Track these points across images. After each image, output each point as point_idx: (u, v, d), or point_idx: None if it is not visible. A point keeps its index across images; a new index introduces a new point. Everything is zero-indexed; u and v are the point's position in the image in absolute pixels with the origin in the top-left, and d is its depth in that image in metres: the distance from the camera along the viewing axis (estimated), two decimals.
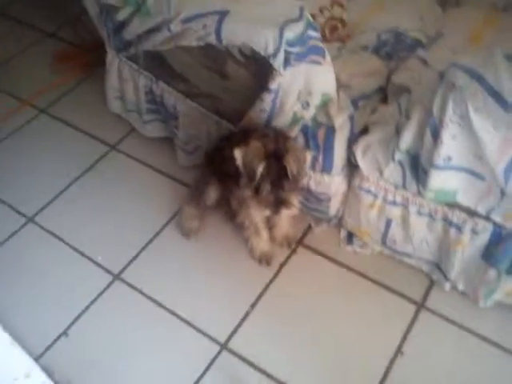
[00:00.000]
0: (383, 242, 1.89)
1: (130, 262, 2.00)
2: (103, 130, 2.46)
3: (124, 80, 2.24)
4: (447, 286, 1.83)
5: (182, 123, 2.12)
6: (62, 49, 2.85)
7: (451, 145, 1.49)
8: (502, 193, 1.52)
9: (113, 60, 2.23)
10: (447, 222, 1.72)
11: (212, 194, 1.94)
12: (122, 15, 1.95)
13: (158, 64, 2.04)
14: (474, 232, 1.68)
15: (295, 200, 1.66)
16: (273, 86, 1.66)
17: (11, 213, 2.17)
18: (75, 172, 2.30)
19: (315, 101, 1.71)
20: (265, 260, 1.94)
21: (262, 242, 1.92)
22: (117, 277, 1.95)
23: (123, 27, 1.99)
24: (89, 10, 2.13)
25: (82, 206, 2.19)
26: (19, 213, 2.17)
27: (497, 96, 1.36)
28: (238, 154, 1.59)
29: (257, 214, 1.80)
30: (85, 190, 2.24)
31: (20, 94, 2.66)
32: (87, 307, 1.88)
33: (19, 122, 2.53)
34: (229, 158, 1.62)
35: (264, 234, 1.91)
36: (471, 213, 1.66)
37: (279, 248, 1.98)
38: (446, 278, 1.81)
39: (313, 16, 1.78)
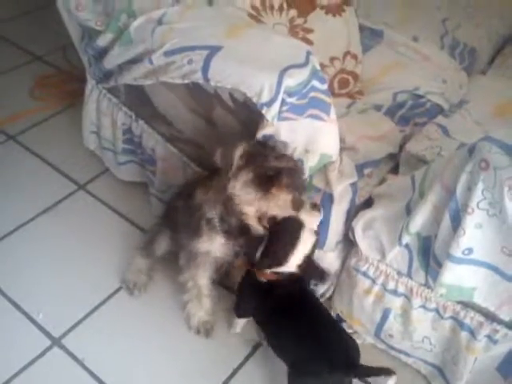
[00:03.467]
0: (377, 334, 1.66)
1: (75, 325, 1.74)
2: (74, 167, 2.26)
3: (102, 114, 2.05)
4: None
5: (160, 169, 1.92)
6: (45, 74, 2.71)
7: (474, 235, 1.26)
8: None
9: (92, 91, 2.04)
10: (458, 323, 1.50)
11: (163, 244, 1.77)
12: (102, 41, 1.76)
13: (140, 101, 1.84)
14: (491, 340, 1.45)
15: None
16: (260, 135, 1.43)
17: None
18: (31, 211, 2.07)
19: (311, 161, 1.51)
20: (203, 330, 1.71)
21: (201, 311, 1.71)
22: (56, 341, 1.69)
23: (104, 55, 1.79)
24: (71, 32, 1.95)
25: (29, 251, 1.95)
26: None
27: None
28: (218, 153, 1.41)
29: (204, 276, 1.62)
30: (37, 233, 2.01)
31: None
32: (16, 374, 1.62)
33: None
34: (185, 207, 1.53)
35: (207, 302, 1.70)
36: (490, 316, 1.43)
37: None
38: None
39: (321, 66, 1.59)
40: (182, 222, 1.59)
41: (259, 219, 1.40)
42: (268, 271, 1.46)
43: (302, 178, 1.45)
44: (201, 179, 1.61)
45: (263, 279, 1.48)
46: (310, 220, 1.42)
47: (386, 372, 1.37)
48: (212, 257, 1.57)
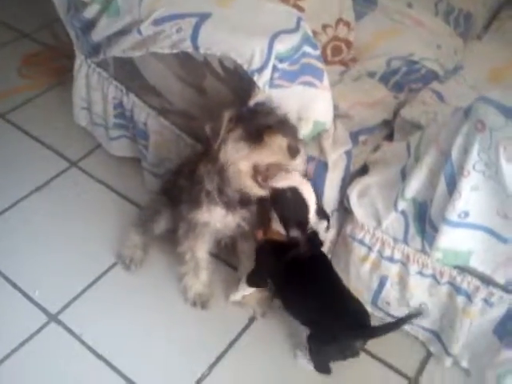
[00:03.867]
0: (374, 302, 1.65)
1: (72, 300, 1.72)
2: (66, 144, 2.22)
3: (92, 89, 2.01)
4: (448, 361, 1.60)
5: (153, 143, 1.88)
6: (32, 52, 2.65)
7: (470, 198, 1.26)
8: None
9: (81, 66, 2.00)
10: (454, 288, 1.49)
11: (162, 223, 1.75)
12: (89, 13, 1.71)
13: (129, 74, 1.80)
14: (488, 303, 1.45)
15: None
16: (252, 102, 1.40)
17: None
18: (24, 189, 2.04)
19: (305, 129, 1.48)
20: (199, 302, 1.70)
21: (198, 283, 1.69)
22: (53, 317, 1.68)
23: (91, 27, 1.75)
24: (56, 5, 1.90)
25: (24, 229, 1.92)
26: None
27: None
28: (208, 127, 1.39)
29: (202, 248, 1.61)
30: (31, 211, 1.98)
31: None
32: (12, 351, 1.60)
33: None
34: (184, 186, 1.51)
35: (204, 274, 1.69)
36: (486, 280, 1.43)
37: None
38: (447, 352, 1.58)
39: (314, 33, 1.56)
40: (184, 199, 1.57)
41: (255, 176, 1.36)
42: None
43: (293, 128, 1.40)
44: (200, 154, 1.58)
45: (283, 238, 1.44)
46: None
47: (395, 326, 1.43)
48: (212, 228, 1.56)
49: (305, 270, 1.47)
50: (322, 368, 1.54)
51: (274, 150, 1.32)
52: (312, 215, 1.40)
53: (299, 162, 1.36)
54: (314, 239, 1.45)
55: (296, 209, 1.38)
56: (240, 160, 1.35)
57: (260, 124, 1.33)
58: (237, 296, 1.68)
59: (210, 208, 1.50)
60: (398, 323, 1.47)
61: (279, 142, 1.32)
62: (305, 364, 1.57)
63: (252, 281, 1.60)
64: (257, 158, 1.34)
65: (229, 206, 1.49)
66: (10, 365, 1.57)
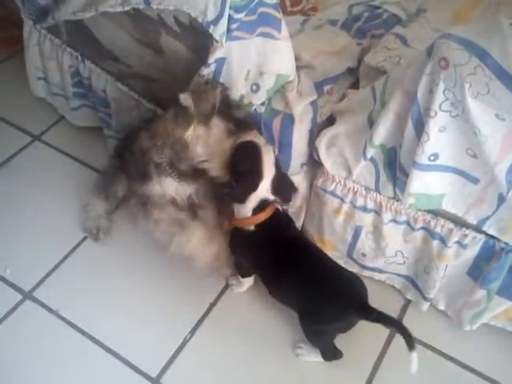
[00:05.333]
0: (349, 254, 1.65)
1: (45, 277, 1.69)
2: (26, 118, 2.14)
3: (46, 58, 1.92)
4: (425, 305, 1.63)
5: (114, 110, 1.83)
6: None
7: (439, 139, 1.23)
8: (501, 199, 1.28)
9: (31, 33, 1.90)
10: (429, 233, 1.49)
11: (121, 186, 1.71)
12: None
13: (83, 39, 1.74)
14: (462, 245, 1.46)
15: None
16: (211, 59, 1.34)
17: None
18: None
19: (268, 83, 1.45)
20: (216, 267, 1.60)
21: (195, 237, 1.52)
22: (28, 295, 1.65)
23: None
24: None
25: None
26: None
27: (505, 76, 1.09)
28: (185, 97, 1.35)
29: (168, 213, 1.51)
30: None
31: None
32: None
33: None
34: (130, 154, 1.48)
35: (195, 227, 1.52)
36: (459, 222, 1.43)
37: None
38: (424, 297, 1.60)
39: None
40: (130, 170, 1.54)
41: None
42: (249, 213, 1.41)
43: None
44: (142, 124, 1.55)
45: (250, 227, 1.43)
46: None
47: (397, 325, 1.37)
48: (168, 200, 1.51)
49: (289, 255, 1.44)
50: (331, 354, 1.48)
51: None
52: (267, 177, 1.38)
53: None
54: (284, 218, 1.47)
55: (249, 162, 1.36)
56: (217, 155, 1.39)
57: (237, 118, 1.38)
58: (244, 287, 1.63)
59: (161, 179, 1.47)
60: (398, 325, 1.38)
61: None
62: (311, 358, 1.51)
63: (240, 272, 1.59)
64: None
65: (180, 177, 1.46)
66: None
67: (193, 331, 1.57)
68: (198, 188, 1.49)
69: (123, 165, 1.63)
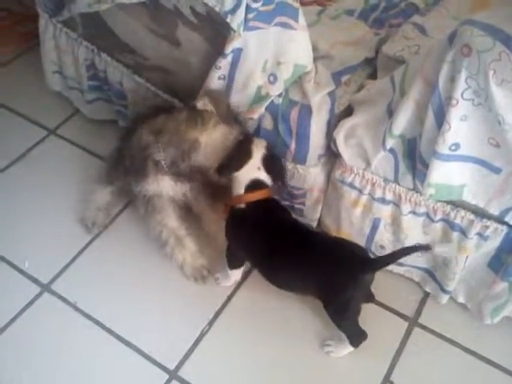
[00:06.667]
0: (368, 247, 1.63)
1: (63, 269, 1.69)
2: (41, 112, 2.14)
3: (62, 51, 1.93)
4: (444, 298, 1.61)
5: (132, 101, 1.82)
6: None
7: (460, 128, 1.21)
8: None
9: (46, 27, 1.91)
10: (449, 224, 1.47)
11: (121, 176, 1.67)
12: None
13: (99, 32, 1.73)
14: (483, 237, 1.43)
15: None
16: (228, 50, 1.33)
17: None
18: (2, 162, 1.97)
19: (285, 74, 1.44)
20: (200, 277, 1.64)
21: (188, 255, 1.63)
22: (46, 287, 1.65)
23: None
24: None
25: (5, 202, 1.87)
26: None
27: None
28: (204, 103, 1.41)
29: (170, 219, 1.57)
30: (11, 184, 1.92)
31: None
32: (7, 325, 1.58)
33: None
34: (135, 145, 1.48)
35: (189, 242, 1.63)
36: (479, 213, 1.40)
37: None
38: (443, 289, 1.58)
39: None
40: (128, 167, 1.54)
41: None
42: (241, 190, 1.44)
43: None
44: (141, 119, 1.54)
45: (242, 205, 1.45)
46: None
47: (404, 250, 1.40)
48: (167, 199, 1.54)
49: (283, 237, 1.45)
50: (358, 336, 1.47)
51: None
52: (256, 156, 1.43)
53: None
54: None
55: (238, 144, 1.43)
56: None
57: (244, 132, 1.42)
58: (231, 281, 1.63)
59: (158, 177, 1.48)
60: (404, 251, 1.40)
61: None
62: (341, 352, 1.50)
63: (230, 262, 1.58)
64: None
65: (178, 176, 1.48)
66: (6, 338, 1.55)
67: (211, 323, 1.57)
68: (192, 185, 1.54)
69: (120, 156, 1.63)
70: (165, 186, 1.51)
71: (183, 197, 1.57)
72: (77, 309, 1.60)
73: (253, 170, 1.44)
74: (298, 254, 1.42)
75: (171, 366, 1.49)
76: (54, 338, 1.55)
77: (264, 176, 1.45)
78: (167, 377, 1.48)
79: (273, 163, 1.47)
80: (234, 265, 1.58)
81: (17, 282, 1.66)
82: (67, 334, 1.56)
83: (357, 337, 1.47)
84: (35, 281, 1.66)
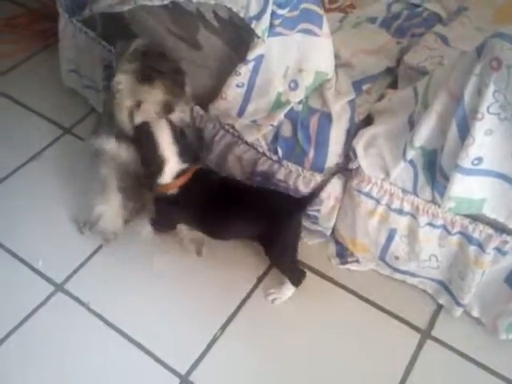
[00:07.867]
0: (382, 257, 1.62)
1: (77, 269, 1.69)
2: (57, 111, 2.14)
3: (80, 51, 1.93)
4: (458, 311, 1.59)
5: None
6: (13, 15, 2.51)
7: (484, 143, 1.20)
8: None
9: (66, 26, 1.91)
10: (466, 238, 1.45)
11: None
12: None
13: (118, 32, 1.71)
14: (501, 252, 1.41)
15: None
16: (251, 56, 1.32)
17: None
18: (18, 159, 1.97)
19: (306, 81, 1.44)
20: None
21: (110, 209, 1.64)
22: (60, 287, 1.65)
23: None
24: None
25: (20, 200, 1.87)
26: None
27: None
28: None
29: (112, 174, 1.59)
30: (27, 182, 1.91)
31: None
32: (20, 323, 1.57)
33: None
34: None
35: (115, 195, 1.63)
36: (499, 228, 1.39)
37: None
38: (457, 302, 1.57)
39: None
40: None
41: (130, 114, 1.40)
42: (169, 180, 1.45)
43: (182, 79, 1.46)
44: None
45: (174, 191, 1.47)
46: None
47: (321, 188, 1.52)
48: (114, 159, 1.53)
49: (219, 195, 1.49)
50: (297, 276, 1.56)
51: (152, 101, 1.39)
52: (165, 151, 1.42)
53: (176, 117, 1.44)
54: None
55: (146, 144, 1.41)
56: (125, 94, 1.39)
57: (154, 66, 1.38)
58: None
59: (107, 136, 1.50)
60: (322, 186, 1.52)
61: (160, 96, 1.38)
62: (285, 294, 1.58)
63: (155, 227, 1.62)
64: (141, 98, 1.39)
65: (119, 136, 1.47)
66: (18, 337, 1.54)
67: (223, 328, 1.56)
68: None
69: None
70: (111, 147, 1.51)
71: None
72: (89, 309, 1.59)
73: (173, 167, 1.44)
74: (236, 206, 1.48)
75: (182, 371, 1.49)
76: (65, 338, 1.54)
77: (186, 163, 1.45)
78: (178, 381, 1.47)
79: (186, 147, 1.46)
80: (161, 231, 1.64)
81: (30, 280, 1.66)
82: (79, 334, 1.55)
83: (297, 276, 1.56)
84: (48, 280, 1.66)
